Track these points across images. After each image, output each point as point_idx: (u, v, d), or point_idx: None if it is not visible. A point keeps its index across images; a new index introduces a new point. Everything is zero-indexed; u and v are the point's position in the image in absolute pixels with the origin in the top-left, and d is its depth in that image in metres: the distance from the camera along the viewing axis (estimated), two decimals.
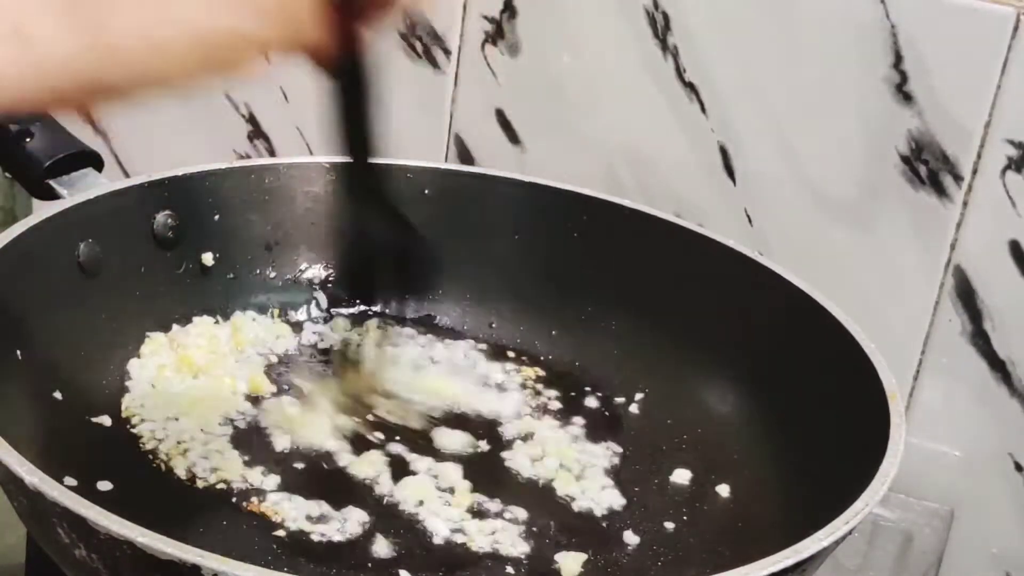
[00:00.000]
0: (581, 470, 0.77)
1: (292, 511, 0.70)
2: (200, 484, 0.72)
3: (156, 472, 0.73)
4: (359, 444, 0.77)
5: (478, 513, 0.73)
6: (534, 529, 0.72)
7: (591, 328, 0.88)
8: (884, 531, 0.89)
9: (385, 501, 0.72)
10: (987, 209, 0.89)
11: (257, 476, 0.73)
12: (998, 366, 0.92)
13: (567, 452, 0.78)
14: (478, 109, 1.01)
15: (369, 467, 0.75)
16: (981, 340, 0.92)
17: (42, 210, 0.77)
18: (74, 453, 0.71)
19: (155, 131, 1.08)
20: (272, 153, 1.08)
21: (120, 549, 0.55)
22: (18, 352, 0.72)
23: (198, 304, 0.85)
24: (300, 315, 0.88)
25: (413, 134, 1.02)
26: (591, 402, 0.84)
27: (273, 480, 0.73)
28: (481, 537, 0.71)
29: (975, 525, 0.94)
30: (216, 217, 0.85)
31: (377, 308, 0.90)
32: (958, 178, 0.89)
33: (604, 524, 0.74)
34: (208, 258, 0.85)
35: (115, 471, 0.71)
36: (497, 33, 0.99)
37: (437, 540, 0.70)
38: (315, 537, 0.69)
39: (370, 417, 0.78)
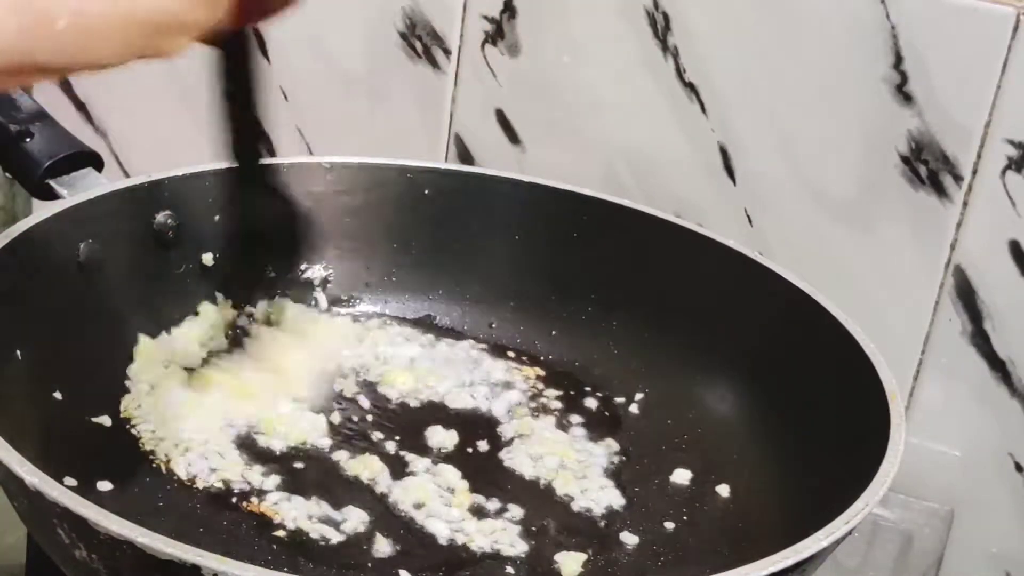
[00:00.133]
0: (581, 470, 0.77)
1: (292, 511, 0.70)
2: (200, 484, 0.72)
3: (156, 472, 0.73)
4: (358, 444, 0.77)
5: (478, 513, 0.73)
6: (534, 529, 0.72)
7: (591, 328, 0.88)
8: (884, 531, 0.89)
9: (385, 501, 0.72)
10: (987, 209, 0.89)
11: (257, 476, 0.73)
12: (998, 366, 0.92)
13: (567, 452, 0.78)
14: (478, 109, 1.01)
15: (368, 467, 0.74)
16: (981, 340, 0.92)
17: (42, 210, 0.77)
18: (74, 453, 0.71)
19: (155, 131, 1.09)
20: (272, 153, 1.08)
21: (120, 549, 0.55)
22: (18, 352, 0.72)
23: (198, 304, 0.85)
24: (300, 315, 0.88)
25: (413, 134, 1.02)
26: (591, 402, 0.84)
27: (273, 480, 0.73)
28: (481, 537, 0.71)
29: (975, 525, 0.94)
30: (216, 217, 0.85)
31: (377, 308, 0.90)
32: (958, 178, 0.89)
33: (604, 524, 0.74)
34: (208, 258, 0.85)
35: (115, 471, 0.71)
36: (497, 33, 0.99)
37: (437, 540, 0.70)
38: (315, 537, 0.69)
39: None
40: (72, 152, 0.83)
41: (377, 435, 0.78)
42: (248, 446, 0.75)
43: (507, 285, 0.89)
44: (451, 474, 0.75)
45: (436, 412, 0.81)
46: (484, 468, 0.77)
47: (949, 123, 0.88)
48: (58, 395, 0.75)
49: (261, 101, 0.67)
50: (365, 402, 0.81)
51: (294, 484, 0.73)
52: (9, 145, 0.82)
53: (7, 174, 0.85)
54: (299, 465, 0.75)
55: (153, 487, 0.72)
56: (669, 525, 0.74)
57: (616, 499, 0.75)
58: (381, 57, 1.01)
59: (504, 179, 0.91)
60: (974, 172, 0.89)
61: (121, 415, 0.77)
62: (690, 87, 0.95)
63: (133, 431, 0.76)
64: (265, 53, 0.96)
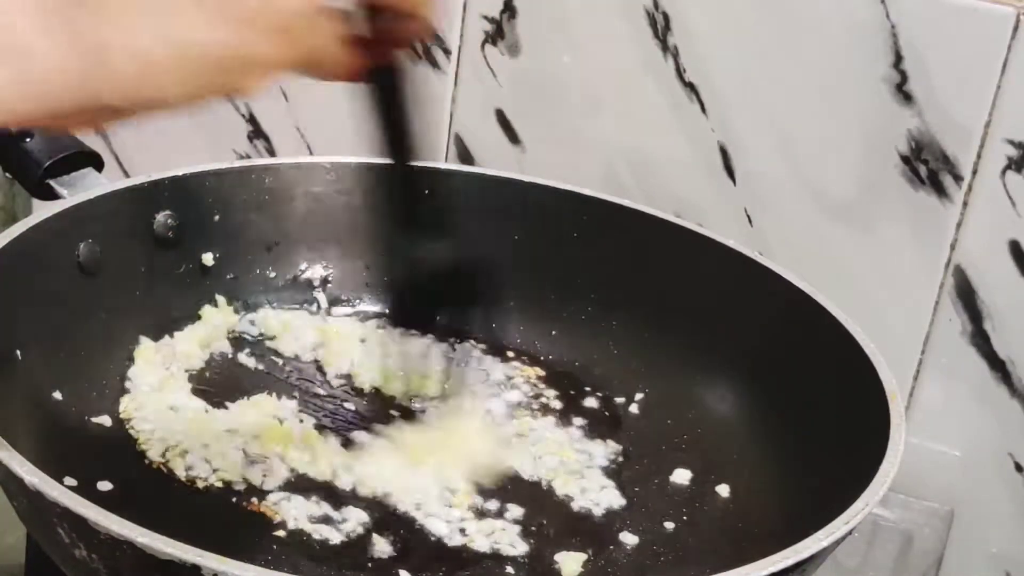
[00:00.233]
0: (581, 470, 0.77)
1: (292, 511, 0.70)
2: (200, 484, 0.72)
3: (156, 472, 0.73)
4: (359, 444, 0.77)
5: (478, 513, 0.73)
6: (534, 529, 0.72)
7: (591, 328, 0.88)
8: (884, 531, 0.89)
9: (385, 501, 0.72)
10: (987, 209, 0.89)
11: (257, 476, 0.73)
12: (998, 366, 0.92)
13: (567, 452, 0.78)
14: (478, 109, 1.01)
15: (368, 466, 0.74)
16: (981, 340, 0.92)
17: (42, 210, 0.77)
18: (74, 453, 0.71)
19: (155, 131, 1.08)
20: (272, 153, 1.08)
21: (120, 549, 0.55)
22: (18, 352, 0.72)
23: (198, 304, 0.85)
24: (300, 314, 0.88)
25: None
26: (591, 402, 0.84)
27: (273, 480, 0.73)
28: (481, 537, 0.71)
29: (975, 525, 0.94)
30: (216, 217, 0.85)
31: (377, 308, 0.90)
32: (958, 178, 0.89)
33: (604, 524, 0.74)
34: (208, 258, 0.85)
35: (115, 471, 0.71)
36: (497, 33, 0.99)
37: (437, 540, 0.70)
38: (315, 537, 0.69)
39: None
40: (72, 152, 0.83)
41: (376, 435, 0.78)
42: (248, 446, 0.75)
43: (507, 285, 0.89)
44: (451, 474, 0.75)
45: (436, 413, 0.81)
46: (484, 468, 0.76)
47: (949, 123, 0.88)
48: (58, 395, 0.75)
49: (418, 143, 0.64)
50: (363, 402, 0.81)
51: (294, 484, 0.73)
52: (9, 145, 0.82)
53: (7, 174, 0.85)
54: (299, 465, 0.74)
55: (153, 487, 0.72)
56: (669, 525, 0.74)
57: (616, 499, 0.75)
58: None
59: (504, 179, 0.91)
60: (974, 172, 0.89)
61: (121, 415, 0.77)
62: (690, 87, 0.95)
63: (133, 431, 0.76)
64: None
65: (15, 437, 0.60)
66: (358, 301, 0.90)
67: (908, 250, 0.92)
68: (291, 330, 0.86)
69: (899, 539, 0.90)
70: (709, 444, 0.81)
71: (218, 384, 0.81)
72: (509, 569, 0.69)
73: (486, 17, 0.98)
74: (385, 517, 0.71)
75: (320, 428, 0.77)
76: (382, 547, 0.69)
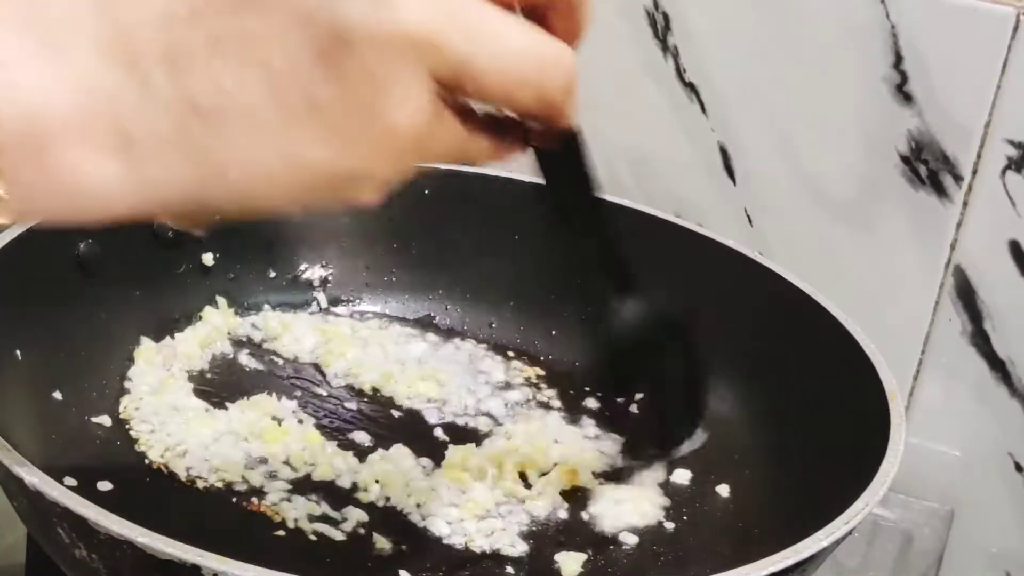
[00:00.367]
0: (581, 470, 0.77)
1: (292, 511, 0.70)
2: (200, 484, 0.72)
3: (156, 472, 0.73)
4: (358, 444, 0.77)
5: (478, 513, 0.73)
6: (534, 529, 0.72)
7: (591, 328, 0.88)
8: (884, 531, 0.89)
9: (385, 501, 0.72)
10: (987, 209, 0.89)
11: (257, 476, 0.73)
12: (998, 366, 0.92)
13: (567, 452, 0.78)
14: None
15: (369, 467, 0.74)
16: (981, 340, 0.92)
17: None
18: (74, 453, 0.71)
19: None
20: None
21: (120, 549, 0.55)
22: (18, 352, 0.72)
23: (198, 304, 0.85)
24: (300, 315, 0.88)
25: None
26: (591, 402, 0.84)
27: (273, 480, 0.73)
28: (481, 537, 0.71)
29: (975, 525, 0.94)
30: (216, 217, 0.85)
31: (377, 308, 0.90)
32: (958, 178, 0.89)
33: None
34: (208, 258, 0.85)
35: (115, 471, 0.71)
36: None
37: (437, 540, 0.70)
38: (315, 537, 0.69)
39: None
40: None
41: (376, 435, 0.78)
42: (248, 446, 0.75)
43: (507, 285, 0.89)
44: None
45: (436, 413, 0.81)
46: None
47: (949, 123, 0.88)
48: (58, 395, 0.75)
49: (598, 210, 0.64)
50: (363, 402, 0.81)
51: (294, 484, 0.73)
52: None
53: None
54: (299, 465, 0.74)
55: (153, 487, 0.72)
56: (669, 525, 0.74)
57: None
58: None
59: (504, 179, 0.91)
60: (974, 172, 0.89)
61: (121, 415, 0.77)
62: (690, 87, 0.95)
63: (133, 432, 0.75)
64: None
65: (15, 437, 0.60)
66: (358, 301, 0.90)
67: (908, 250, 0.92)
68: (291, 330, 0.86)
69: (899, 539, 0.90)
70: (709, 444, 0.81)
71: (218, 384, 0.81)
72: (509, 569, 0.69)
73: None
74: (385, 517, 0.71)
75: (320, 428, 0.77)
76: (382, 547, 0.69)
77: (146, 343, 0.81)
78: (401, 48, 0.47)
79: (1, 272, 0.71)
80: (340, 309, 0.90)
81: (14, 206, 0.47)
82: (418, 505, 0.72)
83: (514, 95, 0.52)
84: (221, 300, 0.85)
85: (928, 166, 0.90)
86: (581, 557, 0.70)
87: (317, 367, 0.84)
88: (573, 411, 0.83)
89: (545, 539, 0.71)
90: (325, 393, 0.82)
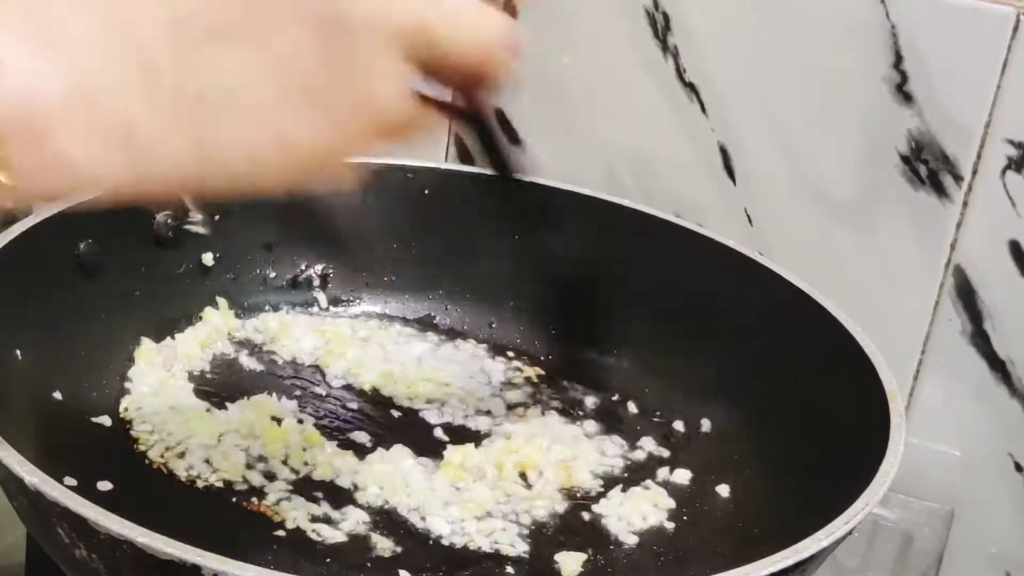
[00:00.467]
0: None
1: (292, 511, 0.70)
2: (200, 484, 0.72)
3: (156, 472, 0.73)
4: (358, 444, 0.77)
5: (478, 513, 0.73)
6: (534, 529, 0.72)
7: (591, 328, 0.88)
8: (884, 531, 0.89)
9: (385, 501, 0.72)
10: (987, 209, 0.89)
11: (257, 476, 0.73)
12: (998, 366, 0.92)
13: (567, 452, 0.78)
14: None
15: (369, 466, 0.74)
16: (981, 340, 0.92)
17: (42, 210, 0.77)
18: (74, 453, 0.71)
19: None
20: None
21: (120, 549, 0.55)
22: (18, 352, 0.72)
23: (198, 305, 0.85)
24: (300, 315, 0.88)
25: None
26: (591, 402, 0.84)
27: (273, 480, 0.73)
28: (481, 537, 0.71)
29: (975, 525, 0.94)
30: (216, 217, 0.85)
31: (377, 308, 0.90)
32: (958, 178, 0.89)
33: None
34: (208, 258, 0.85)
35: (115, 471, 0.71)
36: None
37: (437, 540, 0.70)
38: (315, 537, 0.69)
39: None
40: None
41: (377, 436, 0.78)
42: (248, 446, 0.75)
43: (507, 285, 0.89)
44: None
45: (436, 413, 0.81)
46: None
47: (949, 123, 0.88)
48: (58, 395, 0.75)
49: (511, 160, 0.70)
50: (363, 402, 0.81)
51: (294, 484, 0.73)
52: None
53: None
54: (299, 465, 0.74)
55: (153, 487, 0.72)
56: (669, 525, 0.74)
57: None
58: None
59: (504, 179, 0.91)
60: (974, 172, 0.89)
61: (121, 415, 0.77)
62: (690, 87, 0.95)
63: (133, 431, 0.75)
64: None
65: (15, 437, 0.60)
66: (358, 301, 0.90)
67: (908, 250, 0.92)
68: (291, 330, 0.86)
69: (899, 539, 0.90)
70: (709, 444, 0.81)
71: (219, 384, 0.81)
72: (509, 569, 0.69)
73: None
74: (385, 517, 0.71)
75: (320, 428, 0.77)
76: (382, 547, 0.69)
77: (146, 343, 0.81)
78: (391, 35, 0.49)
79: (1, 272, 0.71)
80: (340, 309, 0.90)
81: (18, 191, 0.48)
82: (418, 505, 0.72)
83: (471, 58, 0.55)
84: (221, 300, 0.85)
85: (928, 166, 0.90)
86: (581, 557, 0.70)
87: (317, 367, 0.84)
88: (573, 411, 0.83)
89: (545, 539, 0.71)
90: (325, 393, 0.82)
